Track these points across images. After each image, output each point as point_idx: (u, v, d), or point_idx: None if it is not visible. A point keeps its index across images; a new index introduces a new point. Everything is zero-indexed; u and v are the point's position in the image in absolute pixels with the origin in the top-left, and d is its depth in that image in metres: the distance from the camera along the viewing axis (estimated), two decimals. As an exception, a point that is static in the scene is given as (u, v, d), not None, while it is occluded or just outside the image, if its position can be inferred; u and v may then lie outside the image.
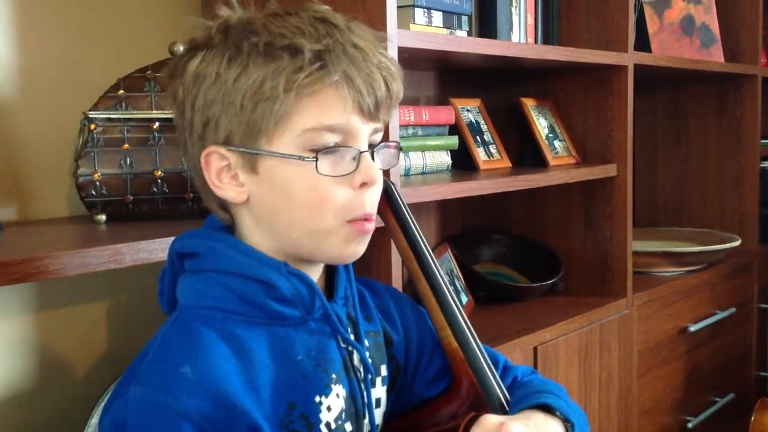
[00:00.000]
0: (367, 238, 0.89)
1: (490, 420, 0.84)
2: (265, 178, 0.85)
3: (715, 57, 2.47)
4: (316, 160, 0.83)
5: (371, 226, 0.88)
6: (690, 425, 2.21)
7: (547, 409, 0.92)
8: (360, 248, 0.89)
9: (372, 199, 0.87)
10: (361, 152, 0.85)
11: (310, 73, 0.81)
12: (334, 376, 0.89)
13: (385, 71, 0.85)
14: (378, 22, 1.23)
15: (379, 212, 1.01)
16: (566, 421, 0.92)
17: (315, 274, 0.91)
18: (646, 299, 2.02)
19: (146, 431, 0.77)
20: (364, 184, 0.86)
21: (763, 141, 2.64)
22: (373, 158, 0.87)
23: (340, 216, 0.85)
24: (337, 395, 0.89)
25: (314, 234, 0.86)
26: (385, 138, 0.93)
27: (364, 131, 0.86)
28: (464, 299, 1.79)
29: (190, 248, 0.89)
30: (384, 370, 0.97)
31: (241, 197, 0.86)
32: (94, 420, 1.12)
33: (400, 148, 0.95)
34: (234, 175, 0.86)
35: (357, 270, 0.97)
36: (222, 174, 0.86)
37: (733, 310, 2.39)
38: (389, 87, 0.86)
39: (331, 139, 0.83)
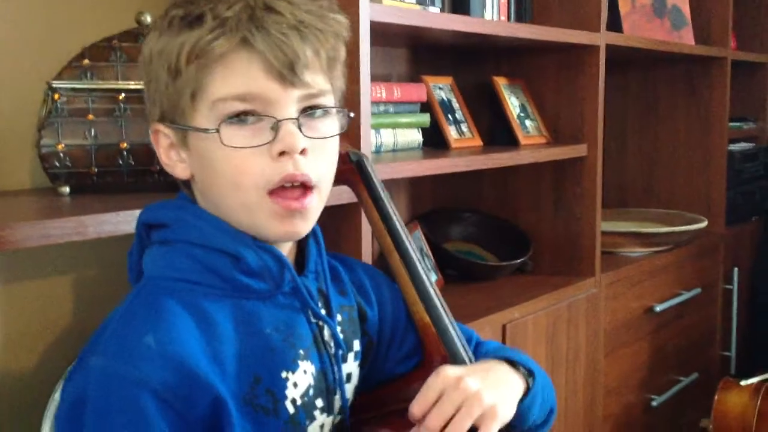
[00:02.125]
0: (305, 215, 0.84)
1: (448, 372, 0.83)
2: (194, 154, 0.85)
3: (685, 39, 2.48)
4: (218, 131, 0.80)
5: (299, 204, 0.82)
6: (654, 404, 2.24)
7: (511, 364, 0.93)
8: (296, 227, 0.84)
9: (295, 165, 0.81)
10: (279, 120, 0.81)
11: (207, 42, 0.79)
12: (301, 351, 0.88)
13: (306, 31, 0.81)
14: (350, -5, 1.22)
15: (352, 186, 1.00)
16: (529, 373, 0.93)
17: (285, 247, 0.90)
18: (614, 279, 2.04)
19: (107, 401, 0.76)
20: (284, 154, 0.81)
21: (731, 124, 2.66)
22: (300, 126, 0.82)
23: (260, 188, 0.81)
24: (305, 371, 0.88)
25: (242, 209, 0.83)
26: (350, 112, 0.90)
27: (285, 98, 0.81)
28: (434, 277, 1.79)
29: (158, 219, 0.88)
30: (357, 345, 0.96)
31: (185, 173, 0.87)
32: (58, 395, 1.10)
33: (344, 113, 0.88)
34: (177, 151, 0.86)
35: (327, 246, 0.96)
36: (170, 152, 0.87)
37: (698, 290, 2.42)
38: (312, 47, 0.81)
39: (241, 108, 0.81)
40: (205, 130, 0.81)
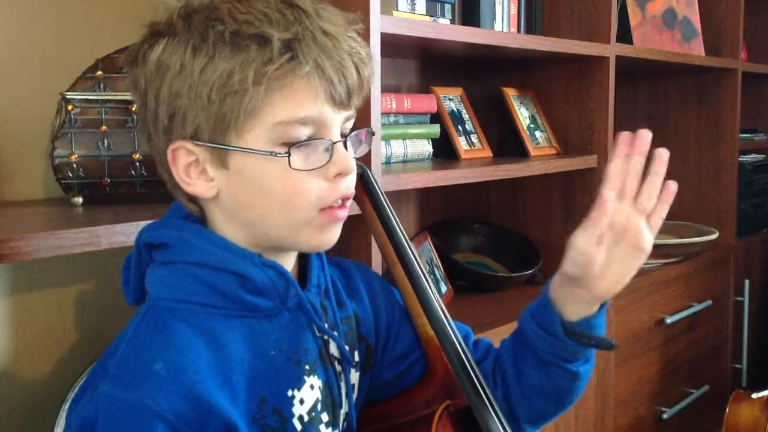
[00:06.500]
0: (340, 225, 0.87)
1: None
2: (235, 173, 0.82)
3: (695, 50, 2.48)
4: (289, 156, 0.80)
5: (343, 213, 0.85)
6: (665, 416, 2.23)
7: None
8: (334, 236, 0.86)
9: (347, 185, 0.85)
10: (334, 143, 0.83)
11: (280, 65, 0.78)
12: (307, 367, 0.87)
13: (356, 57, 0.83)
14: (361, 8, 1.23)
15: (356, 198, 1.01)
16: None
17: (288, 263, 0.89)
18: (624, 290, 2.00)
19: (118, 429, 0.75)
20: (338, 175, 0.83)
21: (741, 135, 2.66)
22: (346, 147, 0.84)
23: (314, 207, 0.83)
24: (312, 386, 0.87)
25: (288, 226, 0.83)
26: (361, 124, 0.91)
27: (337, 120, 0.83)
28: (444, 288, 1.79)
29: (160, 239, 0.86)
30: (357, 356, 0.96)
31: (210, 192, 0.83)
32: (68, 405, 1.11)
33: (372, 134, 0.92)
34: (202, 169, 0.82)
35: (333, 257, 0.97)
36: (190, 169, 0.83)
37: (709, 302, 2.41)
38: (360, 73, 0.83)
39: (303, 131, 0.81)
40: (272, 153, 0.80)
